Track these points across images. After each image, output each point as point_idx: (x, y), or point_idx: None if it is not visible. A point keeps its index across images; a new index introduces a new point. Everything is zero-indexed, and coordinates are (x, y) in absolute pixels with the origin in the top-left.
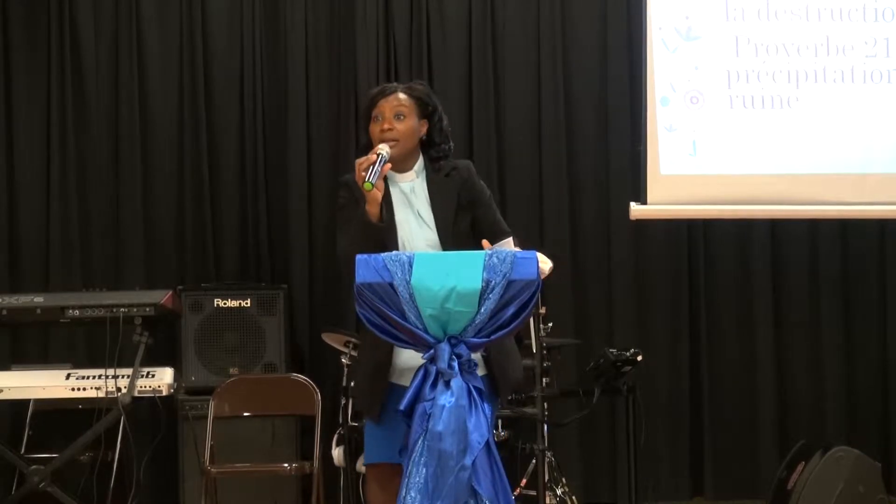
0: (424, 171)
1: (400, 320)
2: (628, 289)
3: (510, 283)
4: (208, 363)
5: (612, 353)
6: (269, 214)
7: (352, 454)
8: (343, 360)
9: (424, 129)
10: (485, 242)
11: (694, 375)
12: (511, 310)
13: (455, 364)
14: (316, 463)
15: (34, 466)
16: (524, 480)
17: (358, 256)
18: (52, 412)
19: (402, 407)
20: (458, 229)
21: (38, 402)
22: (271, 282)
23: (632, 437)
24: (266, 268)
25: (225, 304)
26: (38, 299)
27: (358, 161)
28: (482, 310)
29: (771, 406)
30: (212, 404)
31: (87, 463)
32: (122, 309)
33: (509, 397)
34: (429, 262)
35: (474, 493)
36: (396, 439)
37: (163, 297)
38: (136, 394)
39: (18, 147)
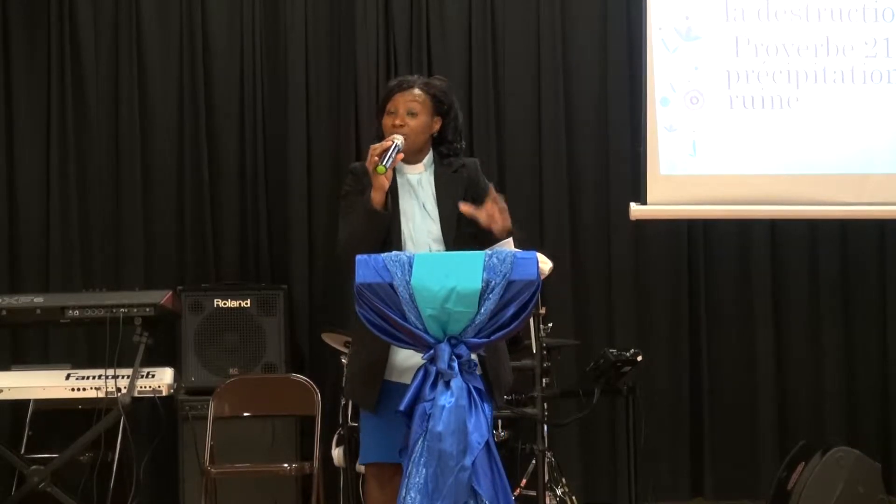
0: (433, 165)
1: (400, 321)
2: (628, 289)
3: (510, 283)
4: (208, 363)
5: (612, 353)
6: (269, 214)
7: (352, 454)
8: (343, 360)
9: (437, 126)
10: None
11: (694, 376)
12: (511, 310)
13: (455, 364)
14: (316, 463)
15: (34, 467)
16: (524, 481)
17: (358, 257)
18: (52, 412)
19: (402, 407)
20: (462, 225)
21: (38, 402)
22: (271, 282)
23: (632, 437)
24: (266, 268)
25: (225, 304)
26: (38, 299)
27: (372, 146)
28: (482, 310)
29: (771, 406)
30: (212, 404)
31: (87, 463)
32: (122, 309)
33: (506, 397)
34: (429, 262)
35: (474, 494)
36: (395, 438)
37: (163, 297)
38: (135, 394)
39: (18, 147)
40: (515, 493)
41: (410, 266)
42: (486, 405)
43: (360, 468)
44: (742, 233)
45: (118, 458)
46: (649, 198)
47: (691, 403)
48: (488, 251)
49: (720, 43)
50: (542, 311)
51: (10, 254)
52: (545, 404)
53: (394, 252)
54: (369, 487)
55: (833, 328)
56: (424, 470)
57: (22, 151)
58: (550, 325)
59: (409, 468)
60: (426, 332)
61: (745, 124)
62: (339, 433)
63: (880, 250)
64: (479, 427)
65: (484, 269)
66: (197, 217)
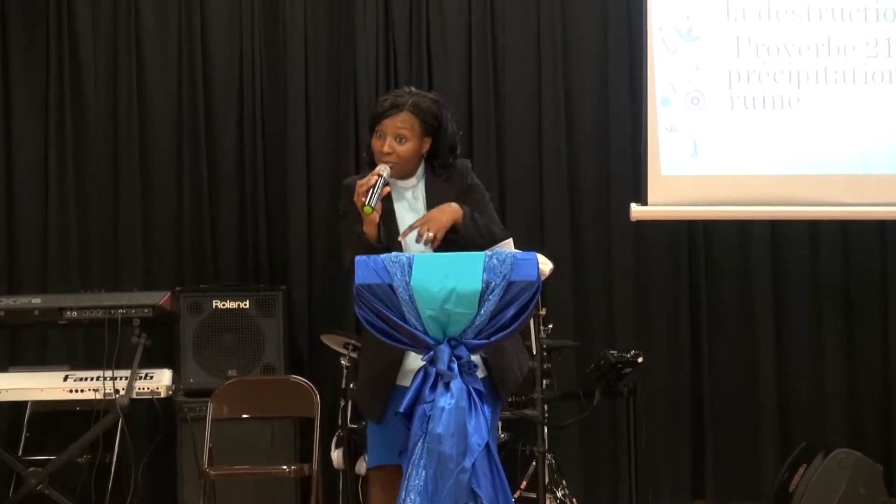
0: (425, 175)
1: (399, 322)
2: (629, 290)
3: (510, 284)
4: (207, 365)
5: (612, 354)
6: (269, 215)
7: (351, 456)
8: (342, 361)
9: (427, 146)
10: None
11: (694, 377)
12: (511, 311)
13: (455, 366)
14: (315, 465)
15: (32, 468)
16: (524, 483)
17: (357, 258)
18: (50, 414)
19: (401, 409)
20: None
21: (36, 403)
22: (270, 283)
23: (632, 439)
24: (265, 269)
25: (223, 305)
26: (36, 300)
27: (358, 183)
28: (482, 311)
29: (772, 408)
30: (210, 406)
31: (85, 465)
32: (121, 310)
33: (510, 399)
34: (428, 263)
35: (474, 496)
36: (399, 441)
37: (161, 298)
38: (134, 395)
39: (17, 147)
40: (515, 496)
41: (410, 267)
42: (486, 407)
43: (360, 470)
44: (742, 233)
45: (116, 460)
46: (650, 198)
47: (692, 405)
48: (488, 252)
49: (721, 43)
50: (543, 312)
51: (7, 254)
52: (545, 406)
53: (393, 253)
54: (373, 490)
55: (834, 329)
56: (424, 472)
57: (20, 152)
58: (551, 326)
59: (409, 470)
60: (426, 333)
61: (746, 125)
62: (338, 435)
63: (881, 251)
64: (478, 429)
65: (484, 270)
66: (195, 218)
